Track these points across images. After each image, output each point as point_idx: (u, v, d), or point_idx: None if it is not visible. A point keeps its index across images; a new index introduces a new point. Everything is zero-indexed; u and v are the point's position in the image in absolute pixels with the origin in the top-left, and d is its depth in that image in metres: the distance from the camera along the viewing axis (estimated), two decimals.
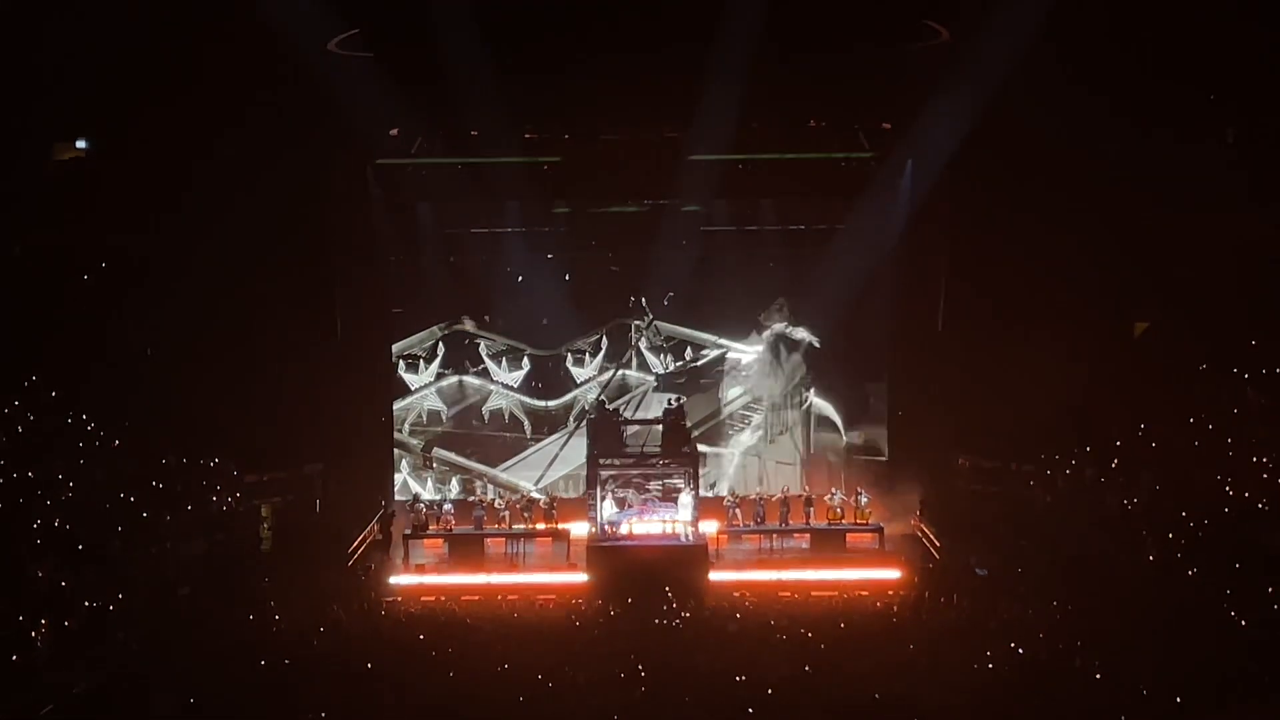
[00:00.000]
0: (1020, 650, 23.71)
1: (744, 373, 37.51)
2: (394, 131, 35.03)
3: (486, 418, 37.57)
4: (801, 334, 37.15)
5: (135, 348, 33.86)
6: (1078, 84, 32.72)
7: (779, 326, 37.25)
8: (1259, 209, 33.39)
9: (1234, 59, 32.99)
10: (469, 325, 37.34)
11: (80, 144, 35.57)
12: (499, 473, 37.42)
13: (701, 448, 35.66)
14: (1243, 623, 24.69)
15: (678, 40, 31.93)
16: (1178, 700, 21.04)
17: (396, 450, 37.24)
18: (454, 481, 37.31)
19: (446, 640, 25.26)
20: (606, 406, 35.62)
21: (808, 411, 37.50)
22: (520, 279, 37.04)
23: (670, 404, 34.93)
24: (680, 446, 33.06)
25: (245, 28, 31.09)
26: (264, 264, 34.18)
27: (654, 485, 32.52)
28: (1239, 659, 23.06)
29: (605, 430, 33.76)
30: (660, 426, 33.47)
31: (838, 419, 37.37)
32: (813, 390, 37.35)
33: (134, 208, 33.69)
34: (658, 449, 32.98)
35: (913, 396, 36.39)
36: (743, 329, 37.43)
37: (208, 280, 33.85)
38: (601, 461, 32.51)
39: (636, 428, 34.07)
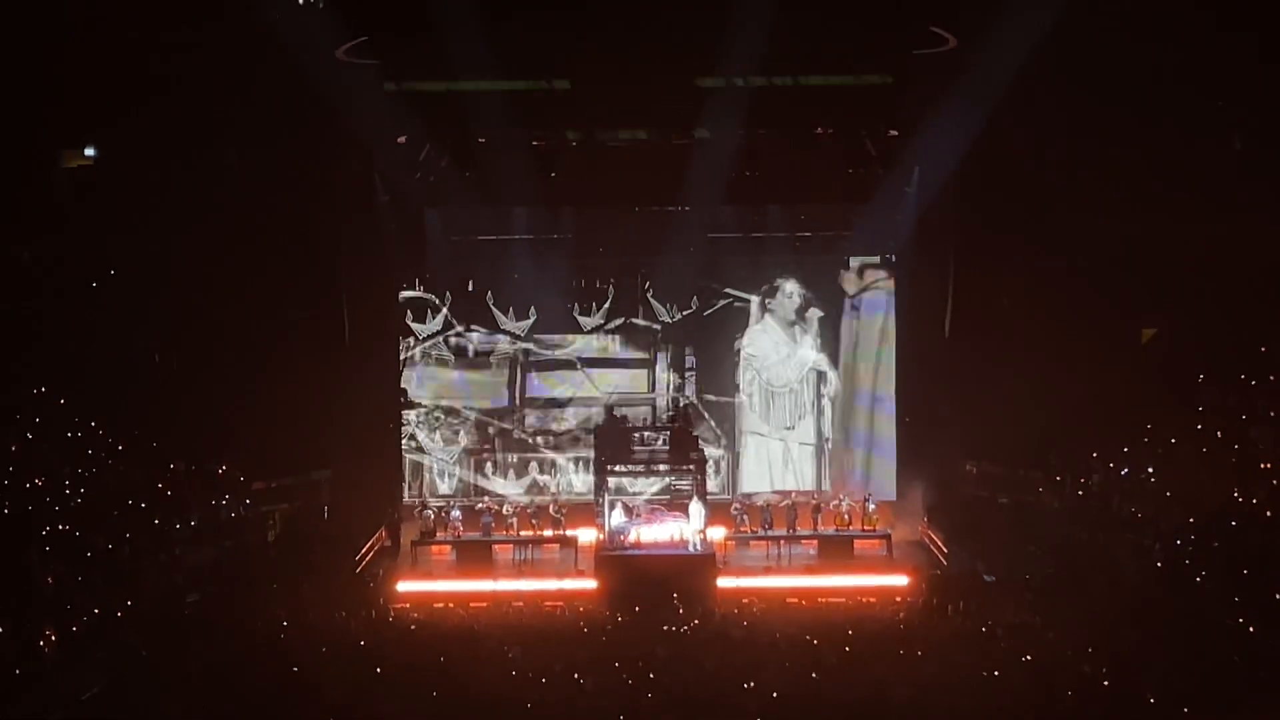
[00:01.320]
0: (1028, 657, 23.69)
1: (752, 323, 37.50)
2: (401, 139, 35.09)
3: (494, 365, 37.65)
4: (812, 314, 37.16)
5: (143, 354, 33.92)
6: (1084, 91, 32.75)
7: (790, 310, 37.25)
8: (1266, 214, 33.33)
9: (1241, 64, 32.95)
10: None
11: (89, 151, 35.64)
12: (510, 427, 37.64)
13: (709, 397, 36.66)
14: (1250, 629, 24.68)
15: (685, 47, 31.96)
16: (1185, 709, 21.02)
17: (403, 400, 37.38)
18: (462, 434, 37.41)
19: (454, 646, 25.27)
20: (615, 414, 35.70)
21: (820, 394, 37.54)
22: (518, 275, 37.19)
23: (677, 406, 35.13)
24: (687, 453, 33.10)
25: (253, 35, 31.15)
26: (272, 271, 34.23)
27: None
28: (1247, 665, 23.07)
29: (613, 437, 33.80)
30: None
31: (830, 370, 37.41)
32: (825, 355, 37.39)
33: (142, 215, 33.77)
34: (665, 454, 33.07)
35: (920, 403, 36.40)
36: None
37: (216, 287, 33.95)
38: (609, 469, 32.53)
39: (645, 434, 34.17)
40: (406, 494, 37.05)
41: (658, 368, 37.45)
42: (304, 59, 31.54)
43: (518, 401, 37.52)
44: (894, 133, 35.05)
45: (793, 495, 35.32)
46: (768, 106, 33.65)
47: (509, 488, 36.98)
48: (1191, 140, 33.71)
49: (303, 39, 31.48)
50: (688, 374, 37.37)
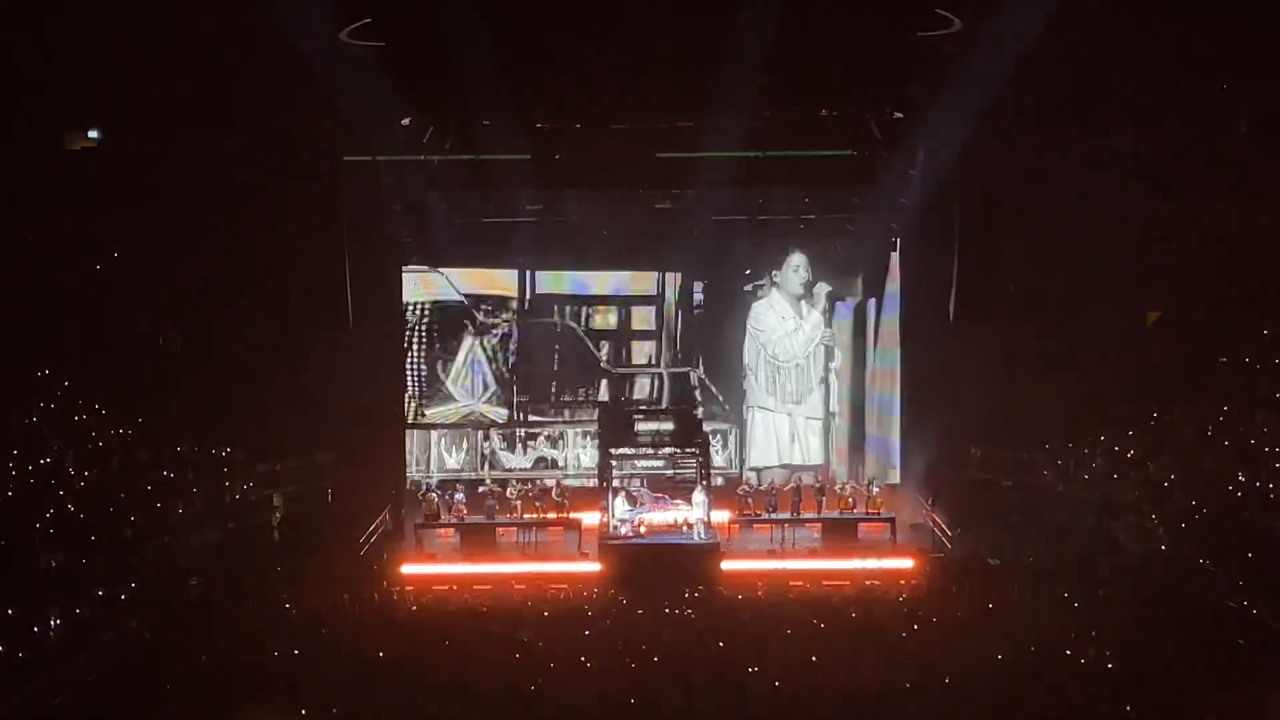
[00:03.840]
0: (1032, 640, 23.68)
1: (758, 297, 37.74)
2: (406, 121, 34.99)
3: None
4: (820, 288, 37.24)
5: (147, 336, 33.92)
6: (1091, 73, 32.66)
7: (797, 285, 37.32)
8: (1274, 197, 33.27)
9: (1248, 47, 32.86)
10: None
11: (92, 134, 35.59)
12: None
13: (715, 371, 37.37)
14: (1254, 612, 24.67)
15: (690, 29, 31.85)
16: (1189, 691, 21.00)
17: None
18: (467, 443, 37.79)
19: (458, 628, 25.30)
20: (620, 399, 35.77)
21: (829, 369, 37.68)
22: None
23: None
24: (692, 436, 33.05)
25: (258, 16, 31.05)
26: (275, 252, 34.24)
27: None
28: (1251, 649, 23.07)
29: (616, 419, 33.78)
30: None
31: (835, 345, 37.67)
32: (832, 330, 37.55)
33: (146, 197, 33.75)
34: (669, 436, 33.07)
35: (925, 386, 36.37)
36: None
37: (219, 269, 33.95)
38: (612, 452, 32.48)
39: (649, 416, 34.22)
40: (414, 468, 37.18)
41: (663, 338, 37.74)
42: (307, 41, 31.43)
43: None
44: (899, 115, 34.92)
45: (798, 478, 35.30)
46: (773, 88, 33.50)
47: (516, 461, 37.17)
48: (1198, 122, 33.63)
49: (306, 20, 31.35)
50: (696, 360, 37.59)
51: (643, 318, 37.82)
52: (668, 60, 32.22)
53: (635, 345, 37.87)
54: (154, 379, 33.17)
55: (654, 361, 37.73)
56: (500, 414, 37.51)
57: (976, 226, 35.27)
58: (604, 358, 37.49)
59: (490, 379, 37.63)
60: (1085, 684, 21.64)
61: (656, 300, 37.75)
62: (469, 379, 37.58)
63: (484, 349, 37.59)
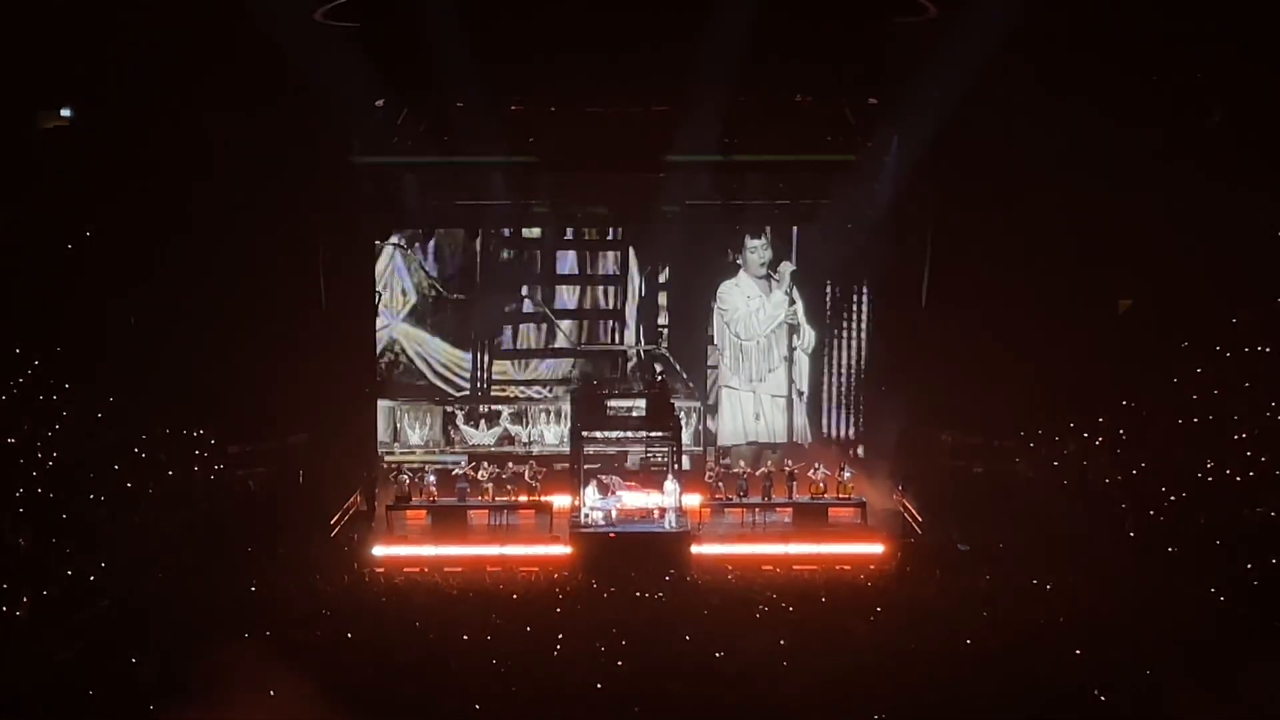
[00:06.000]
0: (1000, 625, 23.78)
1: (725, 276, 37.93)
2: (379, 102, 34.88)
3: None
4: (784, 268, 37.39)
5: (118, 316, 33.75)
6: (1065, 61, 32.72)
7: (758, 265, 37.43)
8: (1243, 186, 33.36)
9: (1221, 36, 32.96)
10: None
11: (64, 112, 35.36)
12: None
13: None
14: (1221, 599, 24.82)
15: (665, 14, 31.79)
16: (1155, 676, 21.13)
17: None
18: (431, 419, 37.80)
19: (429, 611, 25.29)
20: (592, 381, 35.75)
21: (792, 347, 37.84)
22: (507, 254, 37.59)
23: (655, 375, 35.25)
24: (665, 421, 33.08)
25: None
26: (248, 234, 34.11)
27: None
28: (1218, 634, 23.21)
29: (589, 402, 33.80)
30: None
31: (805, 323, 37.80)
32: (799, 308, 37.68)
33: (118, 178, 33.54)
34: (642, 420, 33.12)
35: (896, 372, 36.45)
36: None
37: (191, 251, 33.78)
38: (584, 434, 32.48)
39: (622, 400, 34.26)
40: (379, 444, 37.16)
41: (628, 318, 37.86)
42: (281, 20, 31.28)
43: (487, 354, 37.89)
44: (873, 101, 34.96)
45: (769, 463, 35.38)
46: (748, 74, 33.47)
47: (480, 437, 37.22)
48: (1170, 111, 33.72)
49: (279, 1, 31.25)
50: (660, 330, 37.75)
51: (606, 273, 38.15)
52: (644, 44, 32.14)
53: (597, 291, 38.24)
54: (125, 359, 32.97)
55: (619, 307, 37.96)
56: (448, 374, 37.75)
57: (949, 213, 35.34)
58: (541, 305, 37.74)
59: (410, 290, 37.42)
60: (1054, 670, 21.76)
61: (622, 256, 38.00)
62: (388, 283, 37.31)
63: (405, 258, 37.42)
